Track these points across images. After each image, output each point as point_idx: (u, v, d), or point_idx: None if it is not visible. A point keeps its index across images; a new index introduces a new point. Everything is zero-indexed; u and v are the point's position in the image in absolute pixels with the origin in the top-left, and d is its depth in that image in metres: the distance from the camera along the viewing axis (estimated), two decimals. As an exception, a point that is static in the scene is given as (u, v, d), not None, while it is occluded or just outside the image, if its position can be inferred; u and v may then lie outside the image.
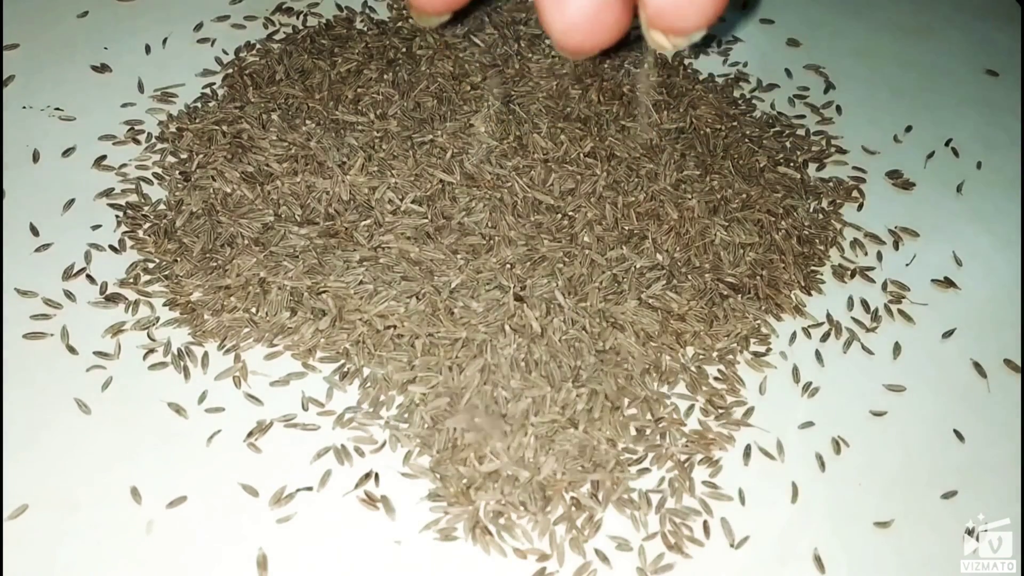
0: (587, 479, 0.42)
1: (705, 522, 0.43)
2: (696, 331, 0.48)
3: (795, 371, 0.49)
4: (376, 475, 0.42)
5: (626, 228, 0.52)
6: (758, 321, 0.50)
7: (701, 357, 0.48)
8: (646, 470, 0.44)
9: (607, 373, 0.45)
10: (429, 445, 0.43)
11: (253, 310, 0.47)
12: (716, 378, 0.47)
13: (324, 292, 0.47)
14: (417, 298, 0.47)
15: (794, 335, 0.50)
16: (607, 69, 0.62)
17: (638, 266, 0.50)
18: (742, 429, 0.46)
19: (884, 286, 0.54)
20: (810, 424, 0.47)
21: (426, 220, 0.50)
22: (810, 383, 0.48)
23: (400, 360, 0.45)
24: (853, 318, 0.52)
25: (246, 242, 0.49)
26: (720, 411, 0.46)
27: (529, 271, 0.49)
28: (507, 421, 0.43)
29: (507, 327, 0.46)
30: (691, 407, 0.46)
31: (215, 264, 0.48)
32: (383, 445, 0.43)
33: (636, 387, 0.46)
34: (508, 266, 0.49)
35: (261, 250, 0.48)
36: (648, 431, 0.45)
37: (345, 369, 0.45)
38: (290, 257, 0.48)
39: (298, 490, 0.42)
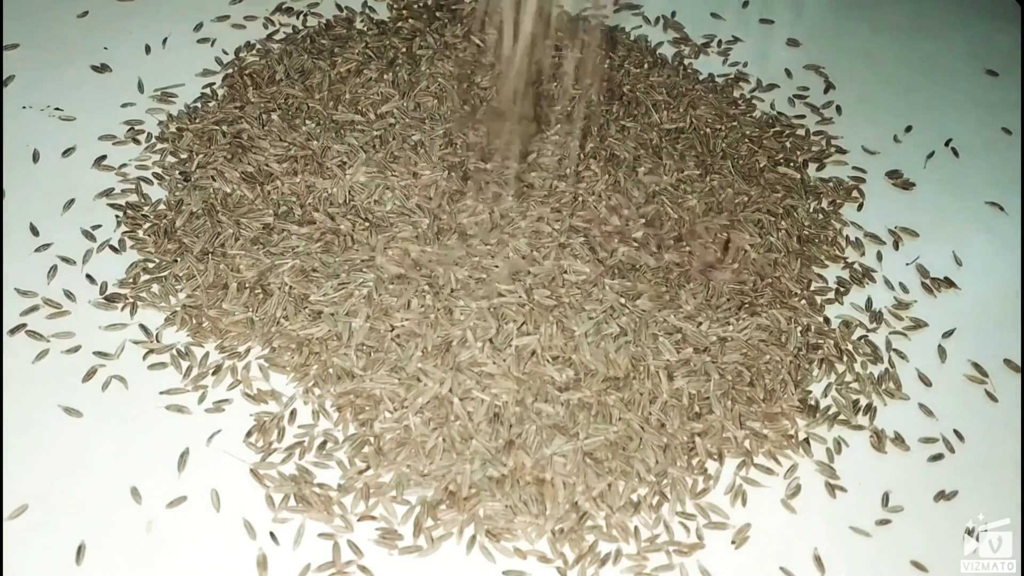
0: (587, 481, 0.42)
1: (705, 523, 0.43)
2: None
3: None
4: (375, 477, 0.42)
5: (627, 228, 0.52)
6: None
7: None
8: (646, 471, 0.44)
9: (608, 374, 0.45)
10: (427, 448, 0.43)
11: (252, 311, 0.47)
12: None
13: (324, 293, 0.47)
14: (417, 299, 0.47)
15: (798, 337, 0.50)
16: (607, 69, 0.62)
17: (639, 265, 0.50)
18: (743, 431, 0.46)
19: (885, 286, 0.54)
20: (811, 424, 0.47)
21: (427, 221, 0.50)
22: (810, 387, 0.49)
23: (400, 363, 0.45)
24: (853, 318, 0.52)
25: (245, 242, 0.49)
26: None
27: (531, 271, 0.49)
28: (506, 423, 0.43)
29: (507, 328, 0.46)
30: (693, 409, 0.46)
31: (214, 264, 0.48)
32: (382, 447, 0.43)
33: (637, 389, 0.45)
34: (509, 268, 0.49)
35: (260, 250, 0.48)
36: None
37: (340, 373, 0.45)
38: (289, 258, 0.48)
39: (298, 490, 0.42)
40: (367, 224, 0.50)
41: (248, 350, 0.46)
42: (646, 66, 0.63)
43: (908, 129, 0.64)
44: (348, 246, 0.49)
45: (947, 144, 0.63)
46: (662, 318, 0.48)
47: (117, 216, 0.51)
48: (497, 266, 0.49)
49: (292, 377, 0.45)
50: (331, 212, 0.50)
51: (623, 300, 0.48)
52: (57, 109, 0.56)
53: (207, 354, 0.46)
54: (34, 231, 0.50)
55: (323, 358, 0.45)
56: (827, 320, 0.51)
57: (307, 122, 0.55)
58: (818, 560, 0.42)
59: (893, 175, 0.60)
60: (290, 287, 0.47)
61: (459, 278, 0.48)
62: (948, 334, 0.52)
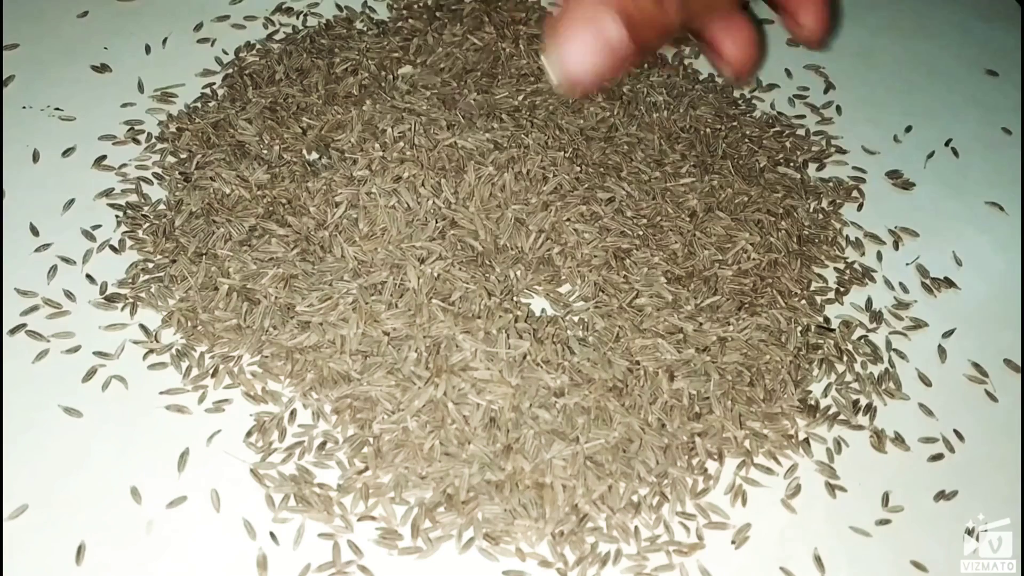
0: (588, 484, 0.42)
1: (705, 523, 0.43)
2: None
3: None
4: (374, 478, 0.42)
5: (626, 227, 0.52)
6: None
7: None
8: (647, 471, 0.44)
9: (607, 375, 0.45)
10: (424, 450, 0.43)
11: (240, 319, 0.46)
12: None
13: (314, 293, 0.46)
14: (416, 304, 0.46)
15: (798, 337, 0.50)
16: None
17: (638, 264, 0.50)
18: (743, 431, 0.46)
19: (885, 286, 0.54)
20: (811, 424, 0.47)
21: (426, 222, 0.50)
22: (810, 387, 0.49)
23: (395, 365, 0.44)
24: (853, 318, 0.52)
25: (237, 244, 0.48)
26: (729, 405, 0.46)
27: (530, 273, 0.49)
28: (503, 428, 0.43)
29: (507, 331, 0.46)
30: (693, 410, 0.46)
31: (205, 266, 0.48)
32: (381, 447, 0.43)
33: (637, 392, 0.45)
34: (508, 268, 0.49)
35: (249, 251, 0.48)
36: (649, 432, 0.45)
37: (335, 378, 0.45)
38: (281, 261, 0.48)
39: (298, 490, 0.42)
40: (365, 225, 0.49)
41: (240, 357, 0.46)
42: (646, 66, 0.63)
43: (908, 129, 0.64)
44: (344, 248, 0.48)
45: (947, 144, 0.63)
46: (662, 318, 0.48)
47: (117, 216, 0.51)
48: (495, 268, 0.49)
49: (288, 383, 0.45)
50: (326, 213, 0.50)
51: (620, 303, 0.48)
52: (57, 109, 0.56)
53: (206, 354, 0.46)
54: (34, 231, 0.50)
55: (318, 364, 0.45)
56: (827, 320, 0.51)
57: (306, 122, 0.55)
58: (818, 560, 0.42)
59: (893, 175, 0.60)
60: (278, 291, 0.46)
61: (458, 281, 0.48)
62: (948, 334, 0.52)
